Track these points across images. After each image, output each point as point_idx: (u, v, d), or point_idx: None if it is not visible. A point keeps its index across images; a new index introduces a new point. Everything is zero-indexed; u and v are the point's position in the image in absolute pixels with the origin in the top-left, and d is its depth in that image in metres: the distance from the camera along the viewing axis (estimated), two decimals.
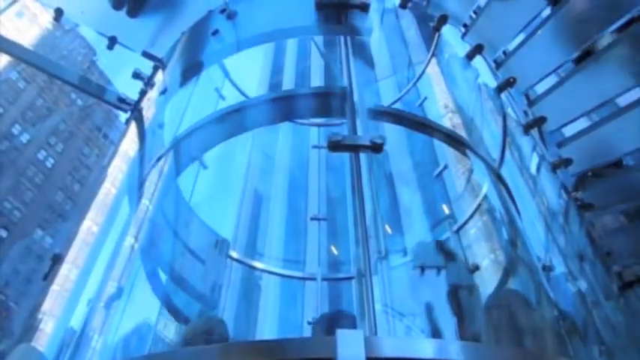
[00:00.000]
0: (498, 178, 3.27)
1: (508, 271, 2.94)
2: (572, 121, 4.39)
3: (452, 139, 3.43)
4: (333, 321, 3.03)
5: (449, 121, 3.67)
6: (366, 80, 3.55)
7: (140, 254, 3.04)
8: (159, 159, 3.47)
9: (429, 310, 2.59)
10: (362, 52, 3.77)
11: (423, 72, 4.18)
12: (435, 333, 2.56)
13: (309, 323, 3.54)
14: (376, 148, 2.56)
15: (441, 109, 3.83)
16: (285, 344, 1.82)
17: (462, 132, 3.53)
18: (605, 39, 4.04)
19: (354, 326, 2.38)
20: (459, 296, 2.70)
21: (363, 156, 2.59)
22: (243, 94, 4.24)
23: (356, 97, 3.04)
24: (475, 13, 4.58)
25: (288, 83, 4.87)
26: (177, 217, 3.59)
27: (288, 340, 1.97)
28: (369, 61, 3.94)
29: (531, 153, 4.20)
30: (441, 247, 3.21)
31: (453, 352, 1.75)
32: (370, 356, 1.60)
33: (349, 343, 1.62)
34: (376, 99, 3.74)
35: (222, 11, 4.43)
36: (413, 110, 3.92)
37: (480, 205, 3.29)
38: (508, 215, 3.15)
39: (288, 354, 1.70)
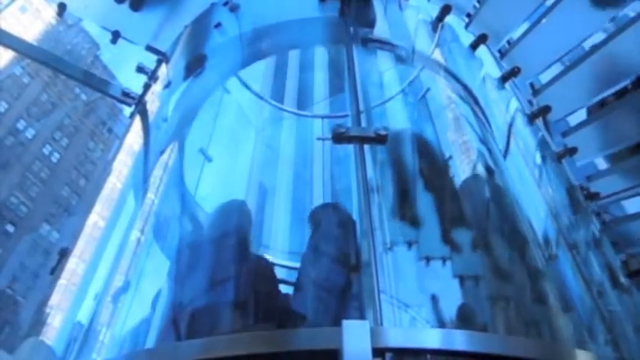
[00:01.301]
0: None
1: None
2: (576, 110, 4.38)
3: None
4: None
5: (452, 112, 3.65)
6: (370, 71, 3.55)
7: (146, 247, 3.06)
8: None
9: (435, 300, 2.59)
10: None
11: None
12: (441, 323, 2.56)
13: None
14: (380, 139, 2.56)
15: (444, 100, 3.82)
16: (290, 335, 1.82)
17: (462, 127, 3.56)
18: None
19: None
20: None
21: (367, 148, 2.59)
22: (246, 86, 4.24)
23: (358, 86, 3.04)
24: (478, 2, 4.55)
25: (291, 74, 4.86)
26: (183, 210, 3.60)
27: (293, 331, 1.98)
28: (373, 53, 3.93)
29: (536, 143, 4.18)
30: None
31: (459, 341, 1.75)
32: (376, 347, 1.61)
33: (355, 333, 1.62)
34: (379, 90, 3.73)
35: (225, 4, 4.43)
36: (416, 101, 3.91)
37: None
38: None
39: (293, 344, 1.71)
